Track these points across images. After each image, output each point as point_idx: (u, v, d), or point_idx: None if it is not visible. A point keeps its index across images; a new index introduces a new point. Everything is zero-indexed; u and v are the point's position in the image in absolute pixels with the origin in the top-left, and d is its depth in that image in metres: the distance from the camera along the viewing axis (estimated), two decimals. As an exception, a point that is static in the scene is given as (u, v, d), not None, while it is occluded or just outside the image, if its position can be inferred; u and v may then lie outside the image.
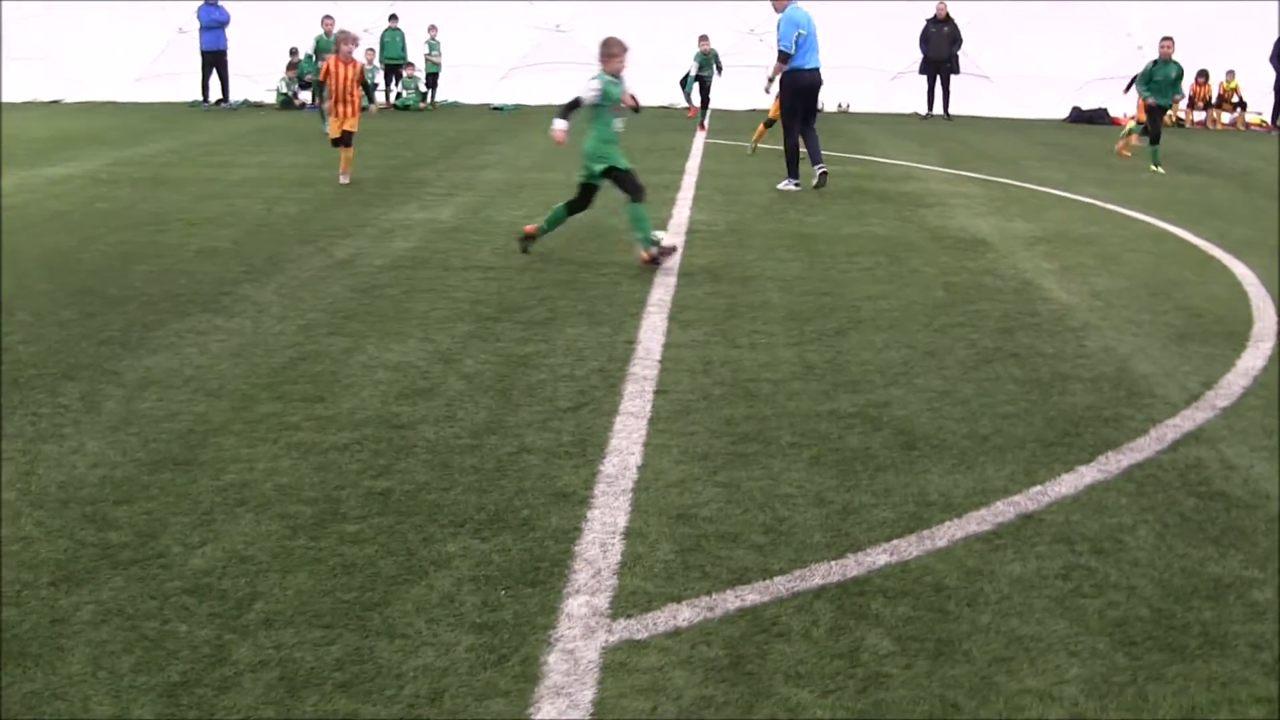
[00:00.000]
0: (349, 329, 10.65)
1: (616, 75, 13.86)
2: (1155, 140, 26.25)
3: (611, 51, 13.94)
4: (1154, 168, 25.78)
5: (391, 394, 8.86)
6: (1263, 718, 5.00)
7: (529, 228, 14.37)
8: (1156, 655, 5.46)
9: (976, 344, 10.69)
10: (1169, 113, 27.48)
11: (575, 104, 13.60)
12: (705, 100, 36.19)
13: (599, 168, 13.63)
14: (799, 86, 20.82)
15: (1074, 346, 10.74)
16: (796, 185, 20.79)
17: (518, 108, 40.37)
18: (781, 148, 21.55)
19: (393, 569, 6.05)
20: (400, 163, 24.00)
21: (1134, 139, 28.65)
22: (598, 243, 14.99)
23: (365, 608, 5.64)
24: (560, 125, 13.58)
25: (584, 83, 13.69)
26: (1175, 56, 25.95)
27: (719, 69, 36.30)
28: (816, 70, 20.90)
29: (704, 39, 35.14)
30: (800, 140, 20.97)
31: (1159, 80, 26.26)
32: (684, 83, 36.56)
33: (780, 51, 20.57)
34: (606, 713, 4.86)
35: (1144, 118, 27.49)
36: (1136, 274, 14.15)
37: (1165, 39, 26.46)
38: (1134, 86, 28.13)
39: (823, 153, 21.29)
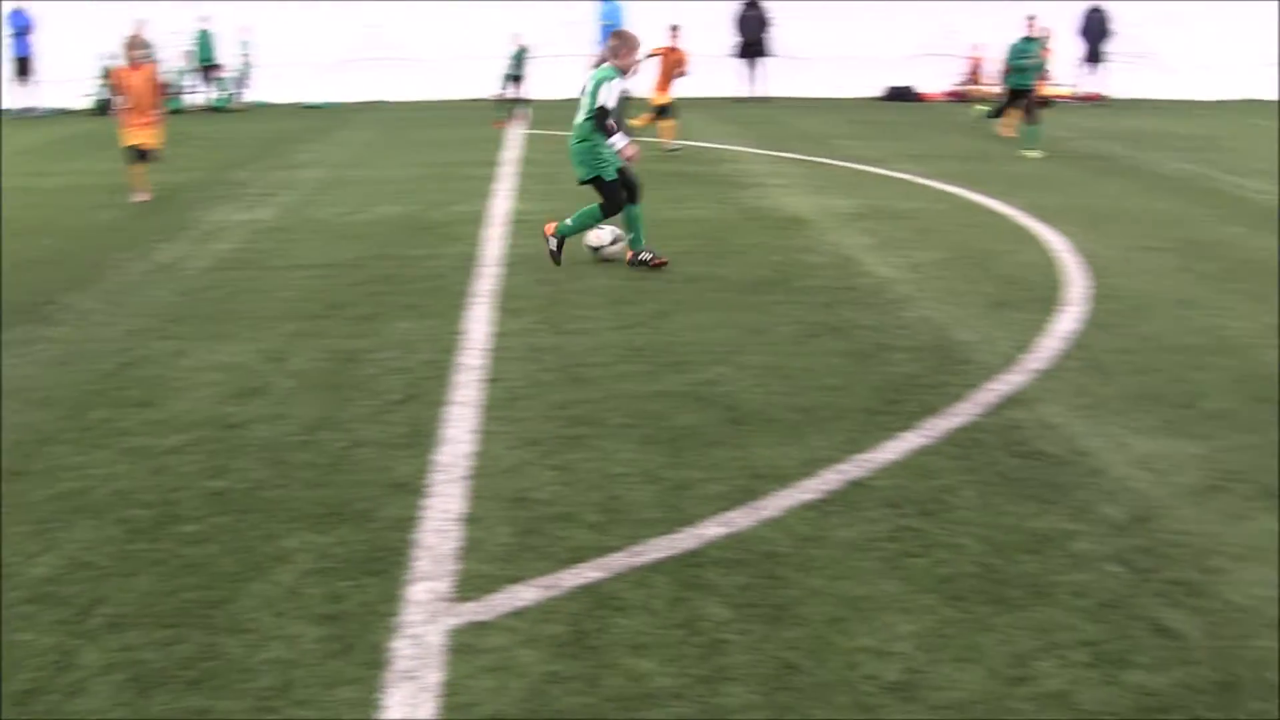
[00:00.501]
0: (175, 332, 10.60)
1: (627, 74, 13.17)
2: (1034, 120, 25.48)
3: (632, 46, 13.20)
4: (1028, 152, 24.78)
5: (222, 395, 8.85)
6: (1086, 660, 5.21)
7: (636, 254, 13.35)
8: (984, 607, 5.67)
9: (799, 319, 10.89)
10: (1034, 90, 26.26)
11: (608, 114, 12.77)
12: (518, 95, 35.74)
13: (606, 171, 12.92)
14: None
15: (894, 318, 10.98)
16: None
17: (332, 105, 40.11)
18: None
19: (234, 566, 6.09)
20: (217, 164, 23.74)
21: (1005, 121, 27.71)
22: (422, 236, 15.01)
23: (210, 606, 5.68)
24: (623, 140, 12.78)
25: (609, 86, 12.76)
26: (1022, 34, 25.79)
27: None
28: None
29: (517, 36, 34.56)
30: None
31: (1029, 58, 25.79)
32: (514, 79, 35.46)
33: None
34: (455, 693, 4.96)
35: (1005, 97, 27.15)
36: (952, 246, 14.44)
37: (1030, 17, 26.26)
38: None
39: (642, 140, 21.41)
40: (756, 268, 13.11)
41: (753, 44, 39.52)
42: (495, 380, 9.15)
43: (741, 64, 40.31)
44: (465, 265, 13.26)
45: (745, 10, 39.32)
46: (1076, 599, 5.78)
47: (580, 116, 13.05)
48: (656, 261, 13.08)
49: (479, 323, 10.82)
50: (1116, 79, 41.22)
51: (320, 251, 14.26)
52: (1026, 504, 6.91)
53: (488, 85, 36.80)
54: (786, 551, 6.25)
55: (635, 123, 24.54)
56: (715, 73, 40.16)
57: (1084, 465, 7.52)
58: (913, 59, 41.71)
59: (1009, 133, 27.23)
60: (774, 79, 40.36)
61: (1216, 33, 40.95)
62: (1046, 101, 27.35)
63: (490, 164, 22.82)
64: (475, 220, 16.16)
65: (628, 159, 12.87)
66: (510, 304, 11.47)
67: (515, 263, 13.35)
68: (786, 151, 24.93)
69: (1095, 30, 40.22)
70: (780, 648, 5.31)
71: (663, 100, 24.37)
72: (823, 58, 41.28)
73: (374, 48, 41.20)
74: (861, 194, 18.88)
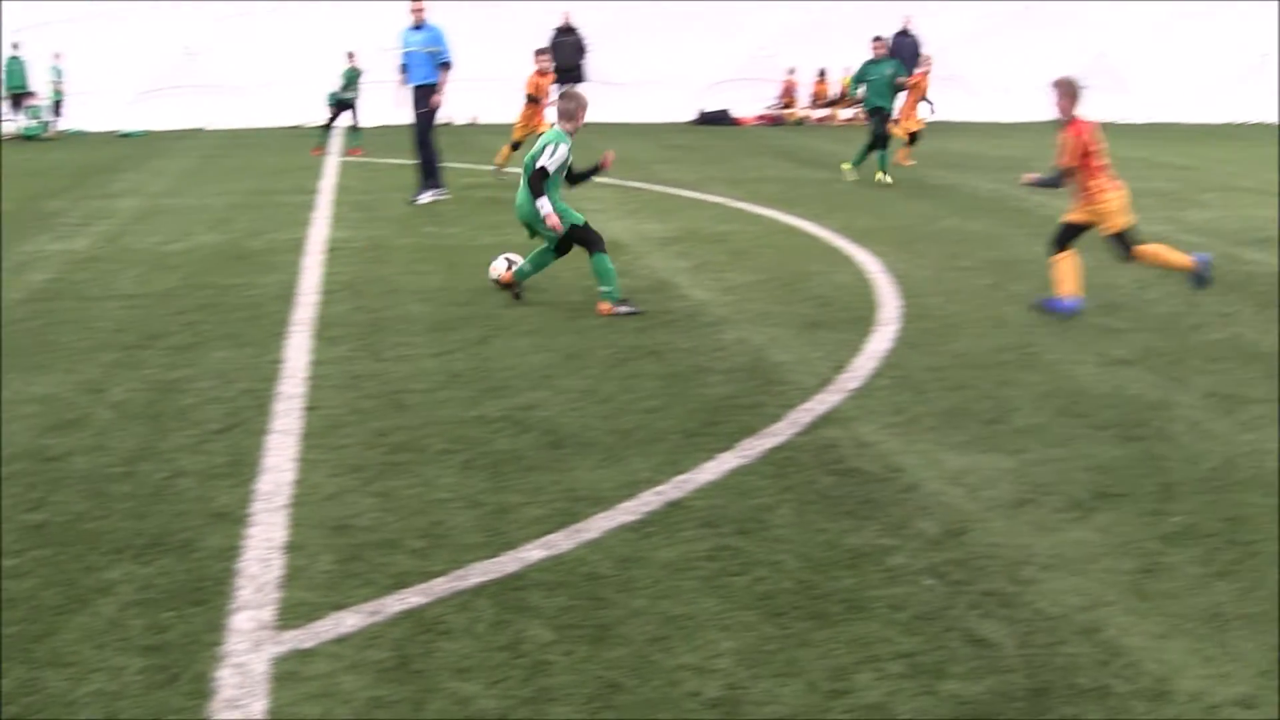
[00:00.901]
0: (-10, 365, 10.48)
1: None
2: (882, 145, 24.55)
3: (584, 105, 13.21)
4: (881, 176, 24.36)
5: (40, 427, 8.75)
6: (903, 671, 5.35)
7: (506, 276, 13.25)
8: (803, 623, 5.80)
9: (616, 344, 11.00)
10: (894, 115, 25.85)
11: (545, 176, 12.44)
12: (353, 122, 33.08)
13: (574, 218, 12.72)
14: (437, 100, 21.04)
15: (710, 340, 11.12)
16: (441, 194, 20.98)
17: (145, 133, 39.63)
18: (414, 161, 21.61)
19: (56, 599, 6.05)
20: (30, 194, 23.30)
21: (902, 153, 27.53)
22: (240, 264, 14.91)
23: (31, 640, 5.64)
24: (547, 207, 12.38)
25: (552, 150, 12.44)
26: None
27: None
28: None
29: (351, 55, 32.56)
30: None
31: (873, 80, 24.82)
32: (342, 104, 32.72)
33: (448, 63, 20.82)
34: (281, 720, 4.99)
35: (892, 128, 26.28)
36: (767, 268, 14.62)
37: (876, 38, 25.54)
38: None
39: (459, 165, 21.47)
40: (573, 292, 13.18)
41: (568, 70, 39.49)
42: (315, 408, 9.15)
43: (558, 89, 40.19)
44: (284, 293, 13.21)
45: (560, 36, 39.32)
46: (893, 612, 5.93)
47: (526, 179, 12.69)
48: (516, 292, 13.04)
49: (298, 351, 10.80)
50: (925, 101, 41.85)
51: (137, 281, 14.12)
52: (843, 520, 7.06)
53: (310, 112, 36.54)
54: (607, 573, 6.34)
55: (497, 160, 24.47)
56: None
57: (899, 481, 7.69)
58: (727, 83, 42.00)
59: (907, 162, 27.23)
60: (590, 104, 40.30)
61: (1017, 56, 41.77)
62: (913, 137, 27.48)
63: (309, 191, 22.70)
64: (294, 248, 16.11)
65: (550, 228, 12.48)
66: (329, 332, 11.46)
67: (333, 290, 13.33)
68: (603, 176, 24.96)
69: (905, 54, 40.76)
70: (603, 667, 5.39)
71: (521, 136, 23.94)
72: (637, 82, 41.47)
73: (192, 74, 40.71)
74: (677, 218, 19.03)
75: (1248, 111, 45.08)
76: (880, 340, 11.15)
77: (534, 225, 12.73)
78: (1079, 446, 8.43)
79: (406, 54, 21.03)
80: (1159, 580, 6.38)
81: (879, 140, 24.51)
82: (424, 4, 20.90)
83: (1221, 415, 9.20)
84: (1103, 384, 9.94)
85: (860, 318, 12.03)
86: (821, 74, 41.85)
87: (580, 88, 38.32)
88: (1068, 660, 5.51)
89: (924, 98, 27.50)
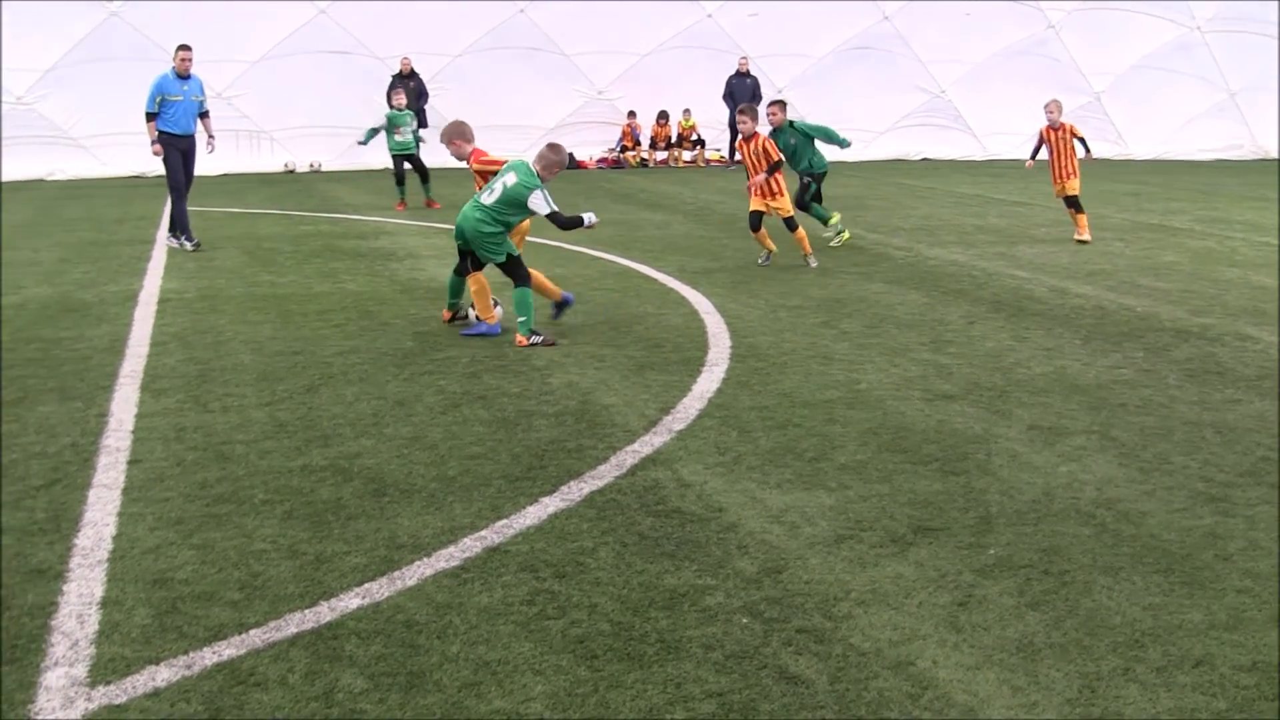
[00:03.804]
0: None
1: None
2: (815, 205, 22.02)
3: (563, 161, 14.04)
4: (837, 236, 21.82)
5: None
6: (713, 711, 5.41)
7: (520, 340, 13.31)
8: (616, 665, 5.84)
9: (444, 390, 11.01)
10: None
11: (555, 215, 13.41)
12: None
13: (511, 249, 13.68)
14: None
15: (539, 384, 11.16)
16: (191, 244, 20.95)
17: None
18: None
19: None
20: None
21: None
22: (70, 317, 14.73)
23: None
24: (591, 217, 13.78)
25: (540, 195, 13.35)
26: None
27: None
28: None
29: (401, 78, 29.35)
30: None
31: (783, 149, 20.84)
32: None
33: (207, 112, 20.95)
34: (87, 778, 4.95)
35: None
36: (599, 310, 14.67)
37: (773, 103, 21.87)
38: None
39: (299, 213, 21.27)
40: (405, 339, 13.18)
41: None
42: (138, 461, 9.07)
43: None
44: (113, 346, 13.05)
45: (399, 82, 39.14)
46: (707, 652, 5.99)
47: (492, 200, 13.60)
48: (548, 342, 13.21)
49: (125, 404, 10.69)
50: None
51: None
52: (662, 561, 7.12)
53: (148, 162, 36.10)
54: (424, 620, 6.35)
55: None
56: (371, 146, 40.05)
57: (719, 521, 7.76)
58: (569, 126, 42.02)
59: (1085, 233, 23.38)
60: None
61: (858, 93, 42.21)
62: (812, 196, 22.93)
63: (143, 242, 22.45)
64: (126, 300, 15.92)
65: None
66: (157, 384, 11.35)
67: (164, 342, 13.20)
68: (440, 223, 24.96)
69: (744, 96, 41.01)
70: (415, 714, 5.41)
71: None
72: (477, 126, 41.30)
73: (29, 126, 39.87)
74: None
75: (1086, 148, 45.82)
76: (709, 381, 11.25)
77: (476, 246, 13.63)
78: (900, 481, 8.56)
79: (174, 104, 20.61)
80: (973, 612, 6.50)
81: (815, 200, 22.14)
82: (192, 53, 20.65)
83: (1042, 447, 9.38)
84: (927, 419, 10.09)
85: (690, 359, 12.13)
86: (664, 117, 41.96)
87: (422, 132, 38.40)
88: (878, 695, 5.59)
89: (1079, 138, 23.98)
